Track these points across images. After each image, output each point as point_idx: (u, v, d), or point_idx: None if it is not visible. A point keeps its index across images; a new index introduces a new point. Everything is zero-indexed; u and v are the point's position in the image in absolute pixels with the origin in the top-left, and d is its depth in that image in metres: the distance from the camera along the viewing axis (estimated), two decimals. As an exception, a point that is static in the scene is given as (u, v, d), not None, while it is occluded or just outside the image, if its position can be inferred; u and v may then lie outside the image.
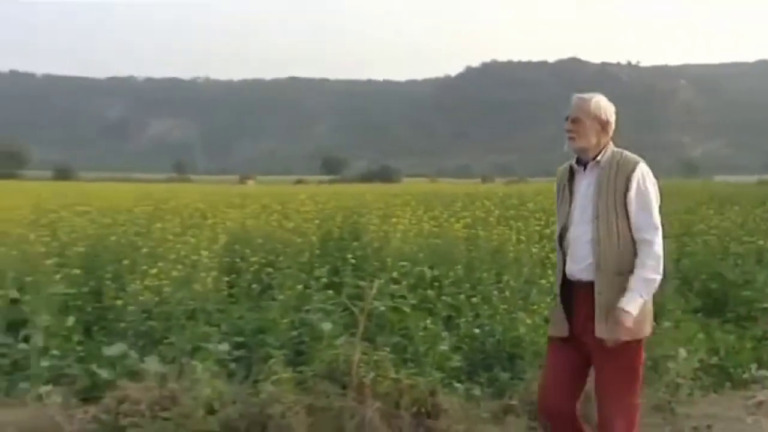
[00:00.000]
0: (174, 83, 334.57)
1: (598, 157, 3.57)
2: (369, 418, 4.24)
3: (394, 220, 9.16)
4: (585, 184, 3.59)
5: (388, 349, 5.07)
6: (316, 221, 9.43)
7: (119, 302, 6.07)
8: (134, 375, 4.84)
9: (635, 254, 3.47)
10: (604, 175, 3.53)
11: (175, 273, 6.28)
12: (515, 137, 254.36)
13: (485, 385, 5.63)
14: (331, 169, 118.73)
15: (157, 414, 4.07)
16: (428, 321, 6.10)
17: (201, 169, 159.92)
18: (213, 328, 5.84)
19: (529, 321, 6.04)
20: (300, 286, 6.51)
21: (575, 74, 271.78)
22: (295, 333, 5.85)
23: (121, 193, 20.11)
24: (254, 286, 6.75)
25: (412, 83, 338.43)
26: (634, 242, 3.48)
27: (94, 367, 5.15)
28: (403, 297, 6.44)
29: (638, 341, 3.52)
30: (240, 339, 5.79)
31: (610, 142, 3.63)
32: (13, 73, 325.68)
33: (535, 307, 6.41)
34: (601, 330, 3.45)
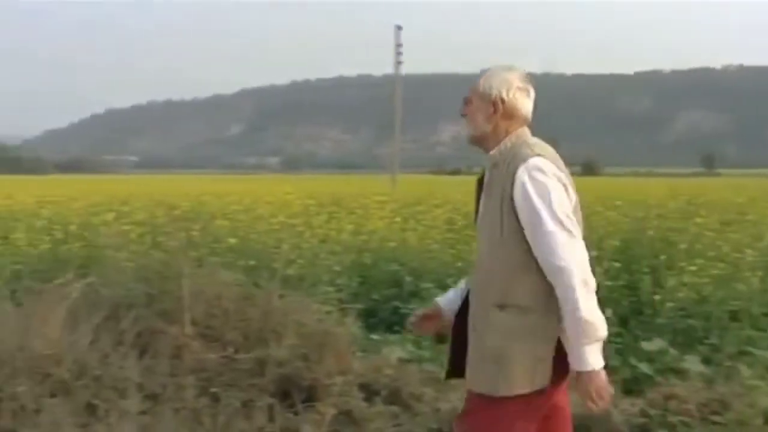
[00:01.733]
0: (703, 73, 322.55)
1: (494, 150, 2.57)
2: None
3: None
4: (485, 188, 2.62)
5: None
6: None
7: (656, 298, 6.01)
8: (674, 373, 4.76)
9: (535, 282, 2.44)
10: (494, 175, 2.54)
11: (715, 271, 5.99)
12: None
13: None
14: None
15: (706, 416, 3.92)
16: None
17: (729, 161, 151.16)
18: (759, 332, 5.41)
19: None
20: None
21: None
22: None
23: (649, 187, 20.08)
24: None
25: None
26: (529, 266, 2.44)
27: (633, 360, 5.20)
28: None
29: (507, 400, 2.46)
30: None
31: (522, 130, 2.60)
32: (546, 75, 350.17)
33: None
34: (471, 380, 2.58)
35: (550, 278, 2.40)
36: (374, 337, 5.99)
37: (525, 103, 2.63)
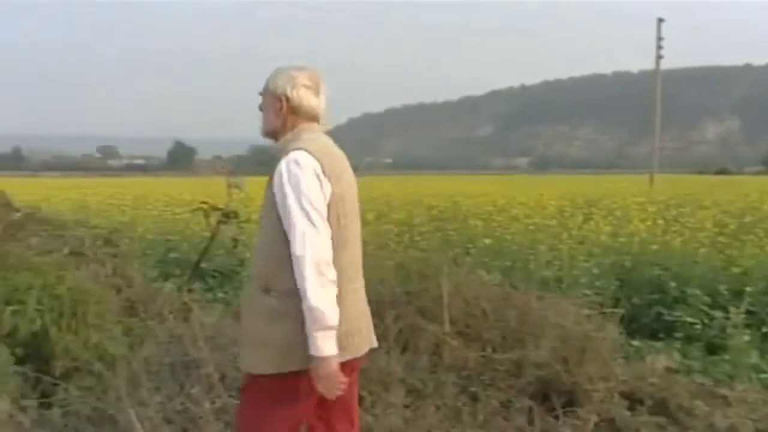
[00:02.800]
0: None
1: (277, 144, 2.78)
2: None
3: None
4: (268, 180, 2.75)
5: None
6: None
7: None
8: None
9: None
10: (272, 168, 2.68)
11: None
12: None
13: None
14: None
15: None
16: None
17: None
18: None
19: None
20: None
21: None
22: None
23: None
24: None
25: None
26: (290, 254, 2.55)
27: None
28: None
29: (268, 378, 2.66)
30: None
31: (307, 125, 2.75)
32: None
33: None
34: (241, 358, 2.84)
35: (293, 265, 2.53)
36: (635, 343, 5.75)
37: (311, 100, 2.75)
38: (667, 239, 8.00)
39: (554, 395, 4.30)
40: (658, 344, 5.83)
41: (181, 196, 16.65)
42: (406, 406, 4.15)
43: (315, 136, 2.73)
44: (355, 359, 2.77)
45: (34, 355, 4.55)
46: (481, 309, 4.83)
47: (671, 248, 7.68)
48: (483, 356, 4.54)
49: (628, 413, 4.24)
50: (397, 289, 5.02)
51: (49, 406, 4.25)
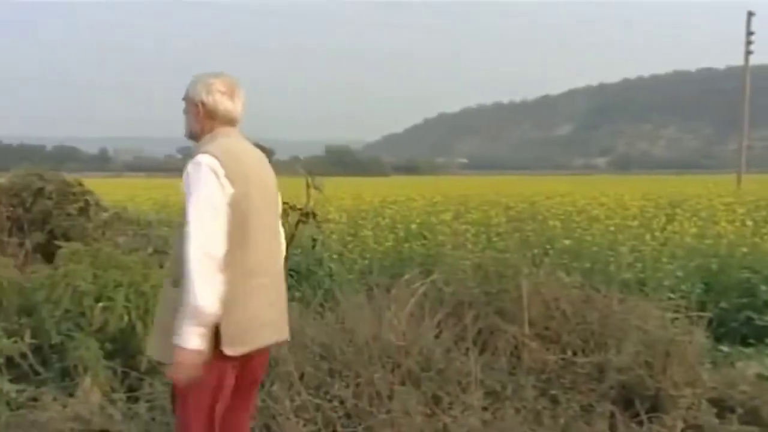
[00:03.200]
0: None
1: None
2: None
3: None
4: None
5: None
6: None
7: None
8: None
9: None
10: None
11: None
12: None
13: None
14: None
15: None
16: None
17: None
18: None
19: None
20: None
21: None
22: None
23: None
24: None
25: None
26: None
27: None
28: None
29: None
30: None
31: (223, 129, 2.90)
32: None
33: None
34: (149, 348, 3.05)
35: None
36: (724, 348, 5.55)
37: (226, 106, 2.90)
38: (757, 241, 7.71)
39: (637, 400, 4.19)
40: (749, 350, 5.63)
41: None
42: (485, 408, 4.10)
43: (227, 139, 2.87)
44: (257, 350, 2.90)
45: (122, 350, 4.71)
46: (561, 311, 4.74)
47: (762, 251, 7.40)
48: (563, 359, 4.45)
49: (717, 421, 4.11)
50: (475, 289, 4.97)
51: (136, 399, 4.38)
